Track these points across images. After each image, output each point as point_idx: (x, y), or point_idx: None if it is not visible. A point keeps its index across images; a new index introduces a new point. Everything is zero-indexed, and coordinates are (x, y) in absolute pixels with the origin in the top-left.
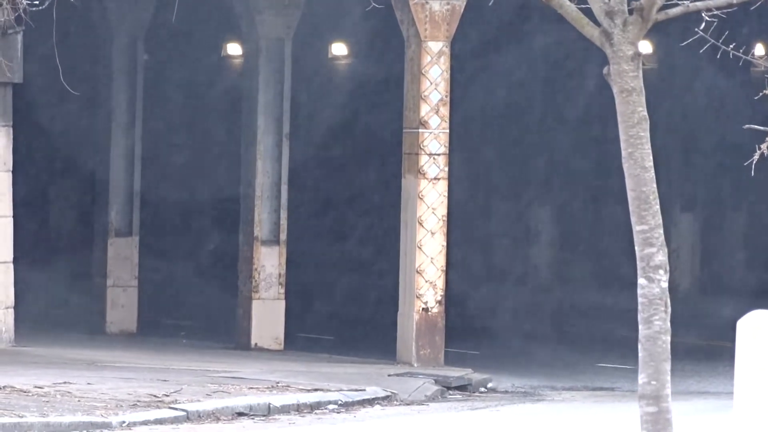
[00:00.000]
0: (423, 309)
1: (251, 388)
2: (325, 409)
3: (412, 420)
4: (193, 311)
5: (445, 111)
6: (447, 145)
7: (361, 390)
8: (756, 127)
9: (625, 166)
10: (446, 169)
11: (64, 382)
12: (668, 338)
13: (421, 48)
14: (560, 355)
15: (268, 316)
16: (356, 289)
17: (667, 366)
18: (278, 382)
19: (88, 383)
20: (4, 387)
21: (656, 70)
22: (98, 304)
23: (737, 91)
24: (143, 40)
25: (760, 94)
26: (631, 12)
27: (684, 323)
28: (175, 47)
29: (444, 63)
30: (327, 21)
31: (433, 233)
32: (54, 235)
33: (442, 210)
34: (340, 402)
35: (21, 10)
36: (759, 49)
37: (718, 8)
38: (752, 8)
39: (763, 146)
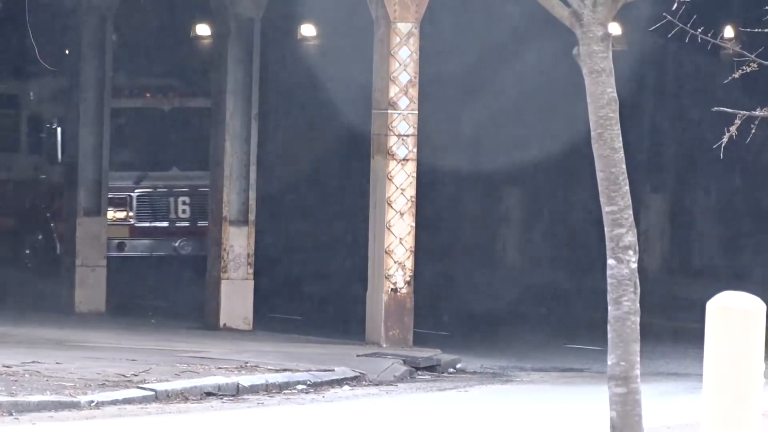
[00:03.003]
0: (392, 289)
1: (220, 368)
2: (294, 389)
3: (380, 400)
4: (163, 291)
5: (414, 92)
6: (416, 126)
7: (330, 370)
8: (725, 109)
9: (594, 146)
10: (415, 150)
11: (33, 362)
12: (637, 319)
13: (390, 29)
14: (529, 336)
15: (236, 297)
16: (325, 270)
17: (637, 347)
18: (247, 363)
19: (57, 363)
20: None
21: (626, 52)
22: (67, 283)
23: (706, 74)
24: (112, 20)
25: (730, 77)
26: None
27: (653, 304)
28: (145, 28)
29: (413, 44)
30: (296, 2)
31: (402, 214)
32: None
33: (411, 191)
34: (308, 382)
35: None
36: (728, 32)
37: None
38: None
39: (732, 129)
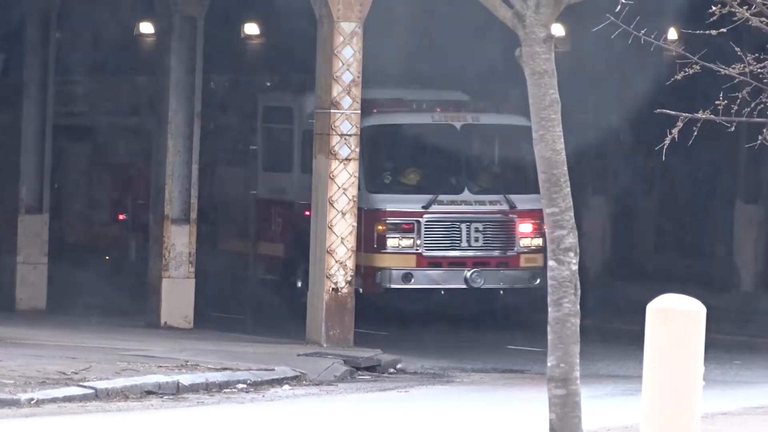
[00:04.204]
0: (333, 289)
1: (160, 366)
2: (234, 388)
3: (321, 400)
4: (106, 289)
5: (357, 92)
6: (358, 125)
7: (270, 370)
8: (667, 111)
9: (536, 148)
10: (357, 149)
11: None
12: (577, 321)
13: (334, 28)
14: (471, 337)
15: (177, 295)
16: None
17: (576, 349)
18: (187, 361)
19: None
20: None
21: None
22: (7, 280)
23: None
24: (56, 17)
25: (672, 78)
26: None
27: (594, 306)
28: (88, 25)
29: (356, 44)
30: (240, 0)
31: (343, 214)
32: None
33: (353, 190)
34: (249, 381)
35: None
36: (672, 34)
37: None
38: None
39: (674, 131)
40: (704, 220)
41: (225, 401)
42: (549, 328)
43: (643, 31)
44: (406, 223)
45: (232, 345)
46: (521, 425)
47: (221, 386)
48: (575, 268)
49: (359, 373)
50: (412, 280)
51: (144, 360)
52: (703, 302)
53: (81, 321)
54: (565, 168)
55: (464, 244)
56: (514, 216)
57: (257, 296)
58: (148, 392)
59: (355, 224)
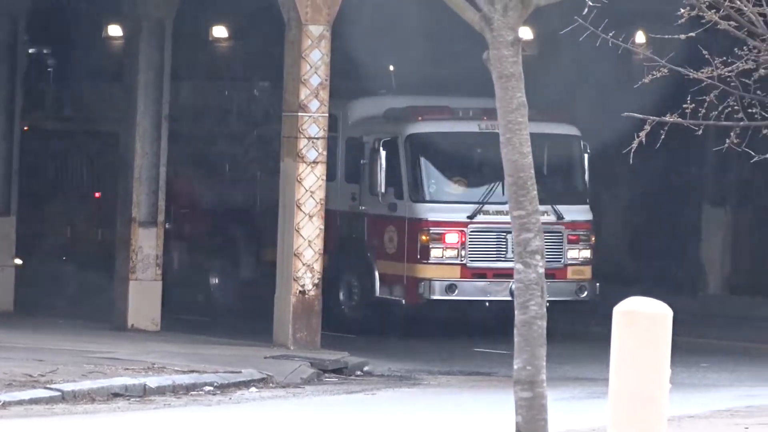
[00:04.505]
0: (300, 292)
1: (127, 369)
2: (201, 390)
3: (287, 402)
4: (72, 291)
5: (324, 95)
6: (326, 128)
7: (237, 372)
8: (635, 114)
9: (503, 151)
10: (325, 152)
11: None
12: (544, 323)
13: (302, 31)
14: (438, 340)
15: (144, 297)
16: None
17: (543, 351)
18: (154, 364)
19: None
20: None
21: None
22: None
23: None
24: (24, 20)
25: (640, 82)
26: None
27: (562, 309)
28: (57, 27)
29: (324, 47)
30: (208, 3)
31: (311, 216)
32: None
33: (321, 193)
34: (216, 384)
35: None
36: (640, 37)
37: None
38: None
39: (642, 134)
40: (672, 223)
41: (192, 403)
42: (515, 331)
43: (611, 34)
44: (451, 233)
45: (199, 347)
46: (487, 428)
47: (188, 388)
48: (542, 270)
49: (326, 375)
50: (456, 292)
51: (111, 362)
52: (671, 305)
53: (48, 324)
54: (532, 171)
55: (510, 255)
56: (562, 227)
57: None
58: (115, 395)
59: (322, 227)
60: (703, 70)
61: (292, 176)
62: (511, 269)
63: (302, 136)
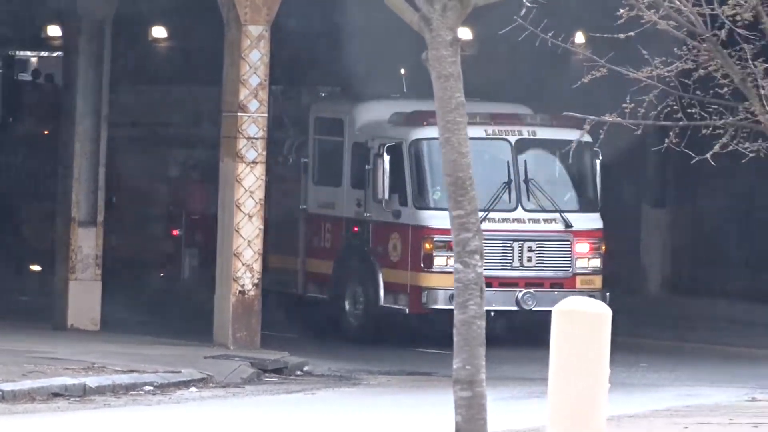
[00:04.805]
0: (240, 292)
1: (67, 368)
2: (141, 390)
3: (227, 402)
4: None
5: (264, 95)
6: (265, 128)
7: (177, 372)
8: (574, 114)
9: (442, 151)
10: (264, 153)
11: None
12: (483, 323)
13: (241, 32)
14: (379, 340)
15: (84, 297)
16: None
17: (482, 351)
18: (94, 363)
19: None
20: None
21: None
22: None
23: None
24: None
25: (579, 81)
26: None
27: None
28: None
29: (264, 47)
30: (147, 3)
31: (250, 216)
32: None
33: (260, 193)
34: (156, 383)
35: None
36: (579, 38)
37: None
38: None
39: (582, 133)
40: (612, 223)
41: (132, 403)
42: (455, 331)
43: (550, 34)
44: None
45: (139, 347)
46: (427, 427)
47: (128, 388)
48: (481, 270)
49: (266, 375)
50: None
51: (50, 362)
52: (611, 305)
53: None
54: (471, 171)
55: (516, 263)
56: (570, 235)
57: (304, 317)
58: (55, 394)
59: (261, 227)
60: (642, 70)
61: (232, 176)
62: (518, 278)
63: (241, 136)
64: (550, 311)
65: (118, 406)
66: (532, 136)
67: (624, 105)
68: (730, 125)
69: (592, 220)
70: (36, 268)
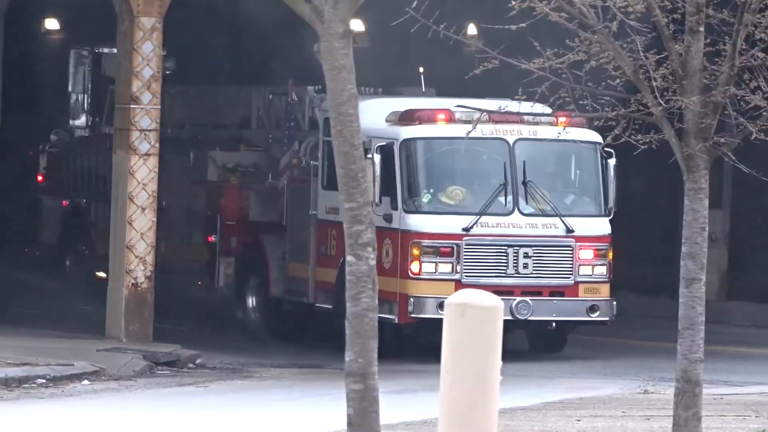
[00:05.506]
0: (132, 284)
1: None
2: (34, 383)
3: (120, 395)
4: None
5: (156, 87)
6: (158, 120)
7: (69, 365)
8: (467, 106)
9: (334, 143)
10: (157, 145)
11: None
12: (375, 316)
13: (134, 23)
14: (271, 332)
15: None
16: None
17: (375, 344)
18: None
19: None
20: None
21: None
22: None
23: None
24: None
25: (471, 73)
26: None
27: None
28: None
29: (156, 39)
30: None
31: (143, 209)
32: None
33: (153, 186)
34: (48, 376)
35: None
36: (471, 29)
37: None
38: None
39: (474, 125)
40: None
41: (24, 396)
42: (347, 323)
43: (442, 26)
44: (445, 247)
45: (31, 340)
46: (319, 420)
47: (20, 381)
48: (373, 263)
49: (159, 368)
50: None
51: None
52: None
53: None
54: (363, 163)
55: (511, 270)
56: (572, 241)
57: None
58: None
59: (154, 219)
60: (534, 62)
61: (125, 168)
62: (513, 287)
63: (134, 128)
64: (549, 321)
65: (10, 400)
66: (532, 136)
67: (516, 97)
68: (622, 117)
69: (598, 225)
70: (102, 274)
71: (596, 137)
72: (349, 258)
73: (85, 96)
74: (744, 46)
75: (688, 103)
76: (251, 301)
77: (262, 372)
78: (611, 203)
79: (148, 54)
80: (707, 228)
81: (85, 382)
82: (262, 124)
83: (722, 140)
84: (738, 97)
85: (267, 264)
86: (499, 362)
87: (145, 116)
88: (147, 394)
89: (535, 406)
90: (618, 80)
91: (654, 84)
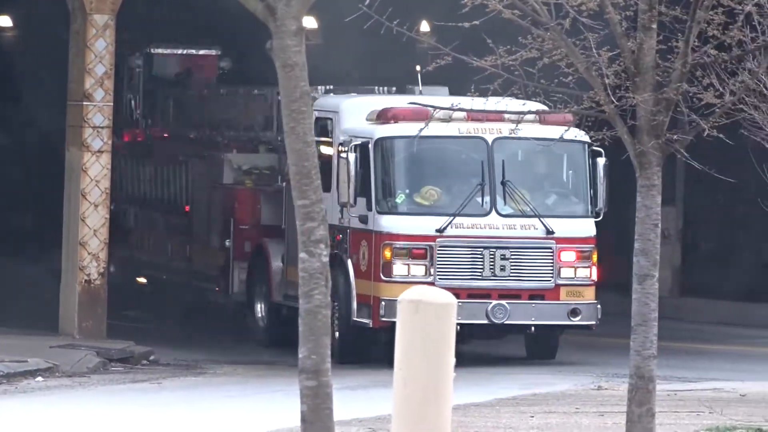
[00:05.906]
0: (85, 281)
1: None
2: None
3: (73, 392)
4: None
5: (109, 84)
6: (111, 117)
7: (23, 361)
8: (420, 103)
9: (287, 140)
10: (110, 142)
11: None
12: (328, 312)
13: (87, 21)
14: (224, 330)
15: None
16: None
17: (328, 340)
18: None
19: None
20: None
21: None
22: None
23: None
24: None
25: (423, 69)
26: None
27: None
28: None
29: (109, 36)
30: None
31: (96, 206)
32: None
33: (106, 183)
34: (1, 373)
35: None
36: (424, 26)
37: None
38: None
39: (428, 122)
40: None
41: None
42: (300, 320)
43: (395, 22)
44: (417, 249)
45: None
46: (272, 417)
47: None
48: (326, 260)
49: (112, 364)
50: None
51: None
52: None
53: None
54: (316, 160)
55: (487, 273)
56: (553, 242)
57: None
58: None
59: (107, 216)
60: (486, 59)
61: (78, 165)
62: (489, 289)
63: (87, 125)
64: (527, 326)
65: None
66: (512, 135)
67: (469, 93)
68: (575, 114)
69: (582, 227)
70: (142, 280)
71: (582, 136)
72: (301, 255)
73: None
74: (696, 44)
75: (641, 100)
76: (260, 308)
77: (216, 368)
78: (600, 204)
79: (100, 51)
80: (660, 225)
81: (39, 378)
82: (270, 125)
83: (675, 137)
84: (690, 95)
85: (269, 269)
86: (453, 359)
87: (98, 113)
88: (100, 391)
89: (489, 402)
90: (571, 77)
91: (606, 81)
